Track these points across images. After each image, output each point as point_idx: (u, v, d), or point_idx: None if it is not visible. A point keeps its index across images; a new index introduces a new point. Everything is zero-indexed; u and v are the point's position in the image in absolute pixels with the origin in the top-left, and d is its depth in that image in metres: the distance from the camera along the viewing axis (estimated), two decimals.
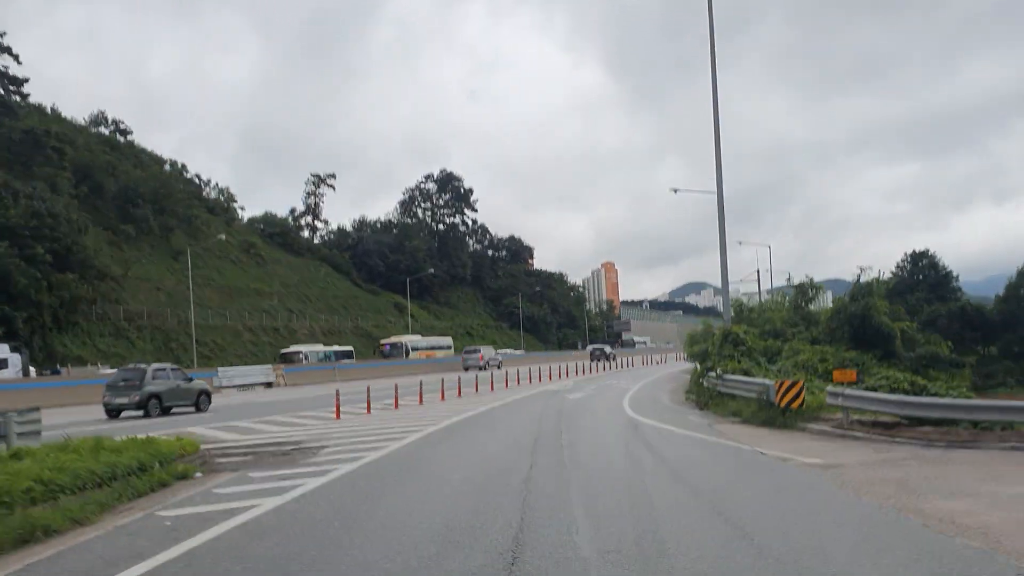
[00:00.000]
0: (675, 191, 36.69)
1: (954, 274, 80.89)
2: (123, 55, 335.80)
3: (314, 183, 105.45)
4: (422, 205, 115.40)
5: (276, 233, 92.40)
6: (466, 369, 57.30)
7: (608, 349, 79.25)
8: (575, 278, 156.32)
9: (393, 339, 71.93)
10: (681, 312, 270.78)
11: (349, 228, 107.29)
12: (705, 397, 21.66)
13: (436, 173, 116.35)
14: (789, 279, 41.38)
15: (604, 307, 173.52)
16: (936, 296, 70.61)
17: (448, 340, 78.82)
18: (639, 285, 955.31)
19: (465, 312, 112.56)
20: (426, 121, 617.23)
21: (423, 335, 77.56)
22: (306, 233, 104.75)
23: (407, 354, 67.46)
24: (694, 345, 33.55)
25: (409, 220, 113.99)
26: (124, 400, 23.97)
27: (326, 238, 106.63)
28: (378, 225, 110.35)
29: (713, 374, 22.09)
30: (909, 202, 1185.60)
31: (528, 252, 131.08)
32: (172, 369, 26.23)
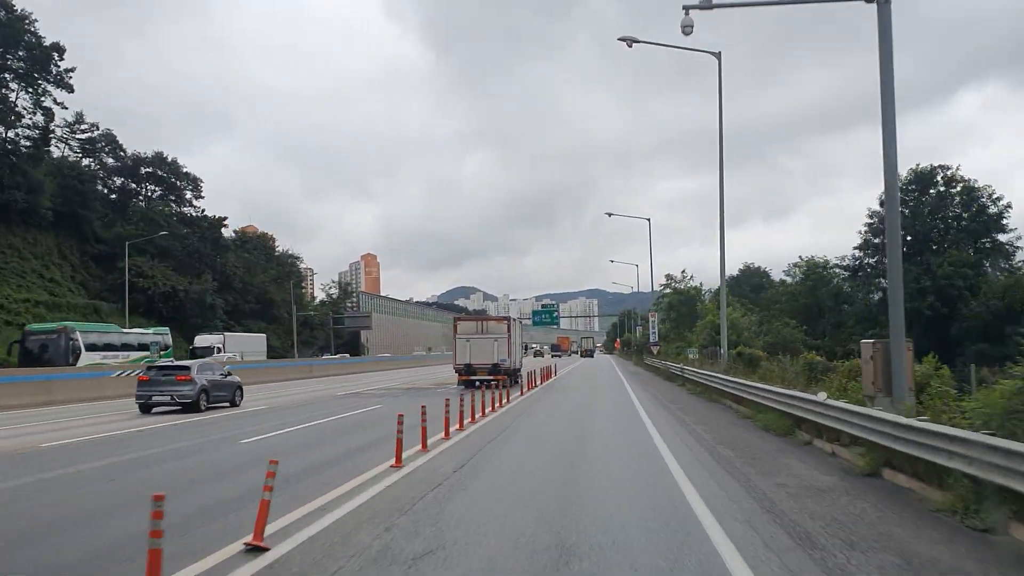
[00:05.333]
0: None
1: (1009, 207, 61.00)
2: None
3: None
4: None
5: None
6: None
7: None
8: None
9: None
10: (449, 314, 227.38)
11: None
12: None
13: None
14: None
15: (350, 299, 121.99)
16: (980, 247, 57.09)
17: None
18: (416, 285, 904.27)
19: (22, 277, 55.12)
20: (208, 76, 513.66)
21: None
22: None
23: None
24: None
25: None
26: None
27: None
28: None
29: None
30: (689, 215, 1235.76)
31: (191, 185, 74.95)
32: None
